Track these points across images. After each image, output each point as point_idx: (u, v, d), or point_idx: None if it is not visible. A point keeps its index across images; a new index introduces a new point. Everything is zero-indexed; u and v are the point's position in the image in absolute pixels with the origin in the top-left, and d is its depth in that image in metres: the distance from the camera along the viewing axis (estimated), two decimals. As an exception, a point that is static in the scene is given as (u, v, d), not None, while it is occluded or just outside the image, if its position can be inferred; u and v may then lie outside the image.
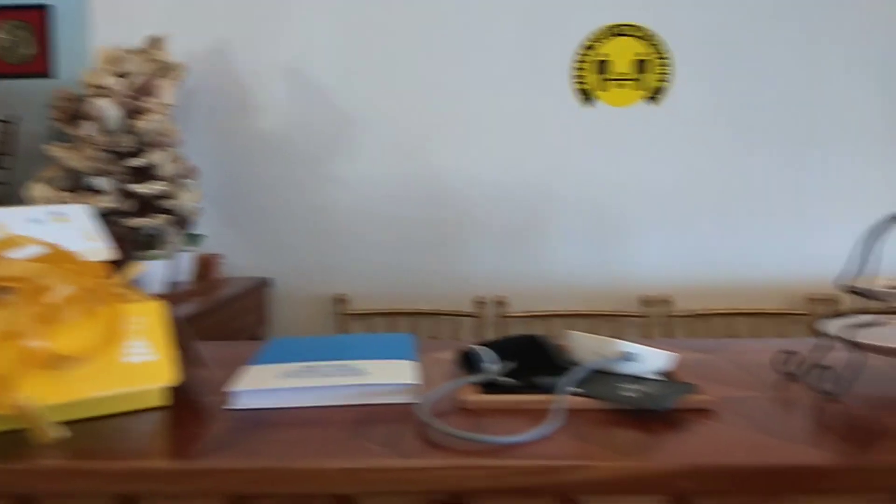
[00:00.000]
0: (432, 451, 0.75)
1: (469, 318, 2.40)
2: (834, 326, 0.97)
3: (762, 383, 0.98)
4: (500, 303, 2.42)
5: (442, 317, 2.40)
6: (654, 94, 2.44)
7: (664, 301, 2.42)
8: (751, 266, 2.45)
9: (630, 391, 0.88)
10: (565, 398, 0.87)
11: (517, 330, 2.32)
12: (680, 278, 2.46)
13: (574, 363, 0.99)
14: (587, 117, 2.45)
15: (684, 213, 2.45)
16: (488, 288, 2.47)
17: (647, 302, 2.43)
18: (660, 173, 2.44)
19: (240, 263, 2.50)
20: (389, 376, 0.92)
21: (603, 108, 2.45)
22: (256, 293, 2.41)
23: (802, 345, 1.08)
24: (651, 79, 2.44)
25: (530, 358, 1.04)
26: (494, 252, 2.48)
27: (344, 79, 2.44)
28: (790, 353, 1.03)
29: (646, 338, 2.35)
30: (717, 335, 2.35)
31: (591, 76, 2.44)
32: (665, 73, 2.43)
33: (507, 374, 0.98)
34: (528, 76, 2.43)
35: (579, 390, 0.89)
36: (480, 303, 2.42)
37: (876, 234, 0.96)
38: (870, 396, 0.92)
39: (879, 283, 0.96)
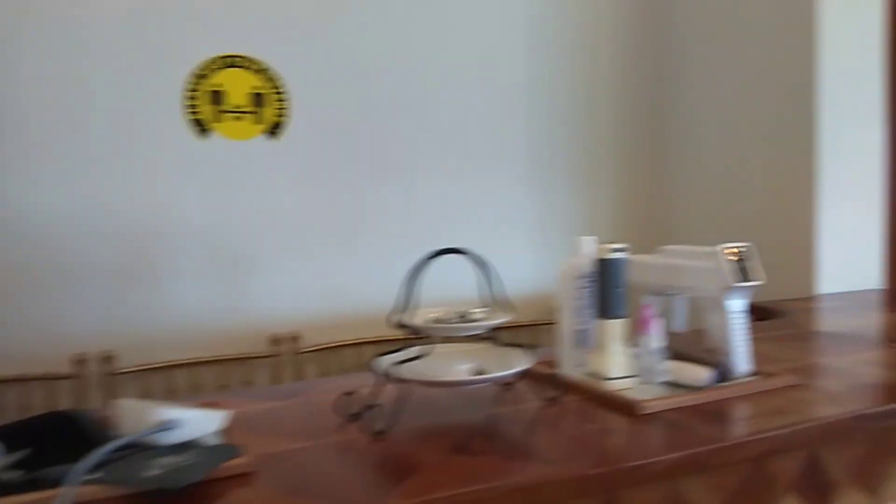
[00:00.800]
0: None
1: (67, 381, 2.05)
2: (385, 362, 0.99)
3: (324, 429, 0.96)
4: (107, 358, 2.12)
5: (31, 382, 2.00)
6: (274, 129, 2.41)
7: (293, 338, 2.38)
8: (369, 295, 2.54)
9: (158, 468, 0.77)
10: (74, 490, 0.73)
11: (128, 389, 2.06)
12: (307, 313, 2.44)
13: (115, 439, 0.84)
14: (203, 150, 2.31)
15: (306, 248, 2.44)
16: (92, 342, 2.14)
17: (276, 340, 2.36)
18: (281, 209, 2.40)
19: None
20: None
21: (220, 140, 2.33)
22: None
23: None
24: (269, 113, 2.40)
25: (59, 440, 0.86)
26: (98, 301, 2.17)
27: None
28: (350, 393, 1.03)
29: (275, 379, 2.28)
30: (347, 366, 2.38)
31: (206, 107, 2.31)
32: (283, 108, 2.41)
33: (17, 466, 0.79)
34: (136, 103, 2.20)
35: (97, 476, 0.76)
36: (81, 361, 2.09)
37: (417, 270, 1.01)
38: (413, 428, 0.95)
39: (421, 316, 1.01)
